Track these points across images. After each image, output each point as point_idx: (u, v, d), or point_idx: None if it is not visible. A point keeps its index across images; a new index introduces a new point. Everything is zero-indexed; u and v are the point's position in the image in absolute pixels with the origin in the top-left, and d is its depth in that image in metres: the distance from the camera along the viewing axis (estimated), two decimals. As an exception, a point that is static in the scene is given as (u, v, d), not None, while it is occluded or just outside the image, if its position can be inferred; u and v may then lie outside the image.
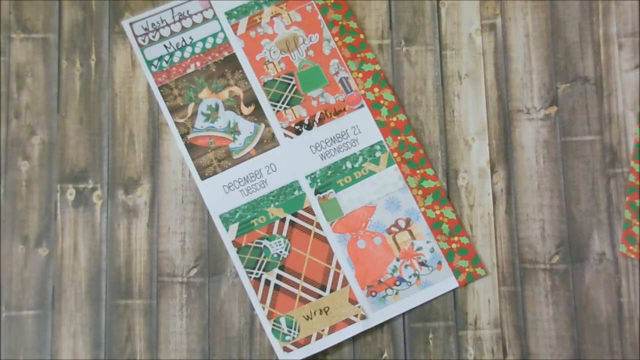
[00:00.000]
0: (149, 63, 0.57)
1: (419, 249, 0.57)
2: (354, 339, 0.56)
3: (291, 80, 0.58)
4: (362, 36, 0.59)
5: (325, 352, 0.56)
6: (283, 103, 0.58)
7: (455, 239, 0.57)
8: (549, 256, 0.58)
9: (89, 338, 0.56)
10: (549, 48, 0.60)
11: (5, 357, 0.56)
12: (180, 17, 0.58)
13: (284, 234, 0.56)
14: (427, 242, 0.57)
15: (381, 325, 0.57)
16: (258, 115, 0.58)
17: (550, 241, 0.58)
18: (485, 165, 0.58)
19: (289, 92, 0.58)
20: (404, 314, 0.57)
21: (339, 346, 0.56)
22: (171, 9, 0.58)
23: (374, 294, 0.56)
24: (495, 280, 0.57)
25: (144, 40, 0.57)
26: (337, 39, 0.59)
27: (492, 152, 0.59)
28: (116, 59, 0.60)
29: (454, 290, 0.57)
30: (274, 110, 0.57)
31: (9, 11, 0.61)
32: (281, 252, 0.56)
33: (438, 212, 0.57)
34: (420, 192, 0.57)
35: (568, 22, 0.60)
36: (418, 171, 0.58)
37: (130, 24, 0.57)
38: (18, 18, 0.61)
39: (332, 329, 0.55)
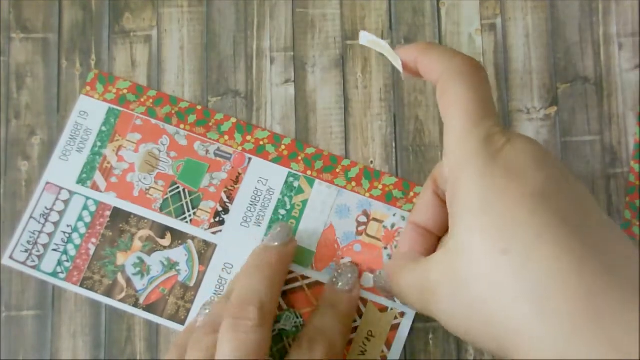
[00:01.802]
0: (54, 275, 0.55)
1: (393, 225, 0.56)
2: (354, 339, 0.56)
3: (178, 187, 0.56)
4: (199, 107, 0.58)
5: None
6: (189, 210, 0.56)
7: (412, 194, 0.57)
8: (549, 256, 0.57)
9: (89, 338, 0.56)
10: (549, 48, 0.60)
11: (5, 357, 0.56)
12: (44, 217, 0.56)
13: (285, 307, 0.55)
14: (394, 215, 0.56)
15: (381, 326, 0.57)
16: (178, 237, 0.56)
17: (550, 241, 0.58)
18: (485, 166, 0.58)
19: (185, 198, 0.56)
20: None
21: (339, 346, 0.56)
22: (31, 217, 0.56)
23: None
24: (495, 281, 0.57)
25: (33, 261, 0.55)
26: (182, 125, 0.58)
27: (492, 152, 0.58)
28: (116, 59, 0.60)
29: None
30: (186, 222, 0.56)
31: (9, 11, 0.61)
32: (295, 321, 0.55)
33: (380, 186, 0.57)
34: (353, 184, 0.57)
35: (568, 22, 0.60)
36: (337, 170, 0.57)
37: (10, 257, 0.55)
38: (18, 18, 0.61)
39: (388, 344, 0.54)
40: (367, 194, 0.57)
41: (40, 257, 0.56)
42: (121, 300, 0.56)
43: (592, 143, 0.59)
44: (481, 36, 0.60)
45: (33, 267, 0.56)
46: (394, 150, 0.59)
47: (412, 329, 0.56)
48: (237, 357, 0.43)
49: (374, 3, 0.61)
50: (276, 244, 0.52)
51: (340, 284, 0.53)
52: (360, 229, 0.56)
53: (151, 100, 0.59)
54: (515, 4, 0.60)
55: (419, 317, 0.57)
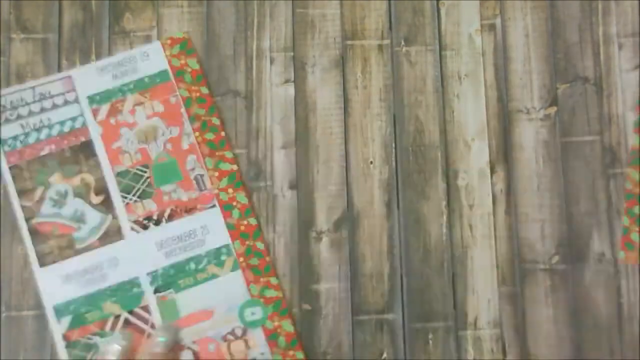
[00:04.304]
0: (3, 142, 0.55)
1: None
2: (353, 339, 0.56)
3: (145, 172, 0.56)
4: (223, 134, 0.58)
5: (325, 353, 0.56)
6: (134, 195, 0.56)
7: (291, 352, 0.56)
8: (548, 256, 0.58)
9: (89, 338, 0.56)
10: (549, 48, 0.60)
11: (5, 357, 0.56)
12: (41, 97, 0.56)
13: (118, 332, 0.54)
14: (262, 353, 0.55)
15: (381, 326, 0.57)
16: (107, 205, 0.56)
17: (550, 241, 0.58)
18: (485, 166, 0.58)
19: (142, 184, 0.56)
20: (403, 313, 0.57)
21: (338, 347, 0.56)
22: (33, 88, 0.56)
23: None
24: (494, 281, 0.57)
25: None
26: (197, 134, 0.57)
27: (492, 152, 0.59)
28: (116, 59, 0.60)
29: (453, 290, 0.57)
30: (124, 201, 0.56)
31: (9, 11, 0.61)
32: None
33: (277, 323, 0.56)
34: (262, 300, 0.56)
35: (568, 22, 0.60)
36: (262, 279, 0.56)
37: None
38: (18, 18, 0.61)
39: None
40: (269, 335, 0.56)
41: (7, 121, 0.57)
42: (22, 207, 0.56)
43: (592, 143, 0.59)
44: (481, 36, 0.60)
45: None
46: (394, 150, 0.59)
47: (411, 328, 0.56)
48: None
49: (374, 3, 0.61)
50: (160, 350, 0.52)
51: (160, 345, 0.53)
52: (229, 337, 0.56)
53: (196, 94, 0.59)
54: (515, 4, 0.60)
55: (419, 318, 0.57)
